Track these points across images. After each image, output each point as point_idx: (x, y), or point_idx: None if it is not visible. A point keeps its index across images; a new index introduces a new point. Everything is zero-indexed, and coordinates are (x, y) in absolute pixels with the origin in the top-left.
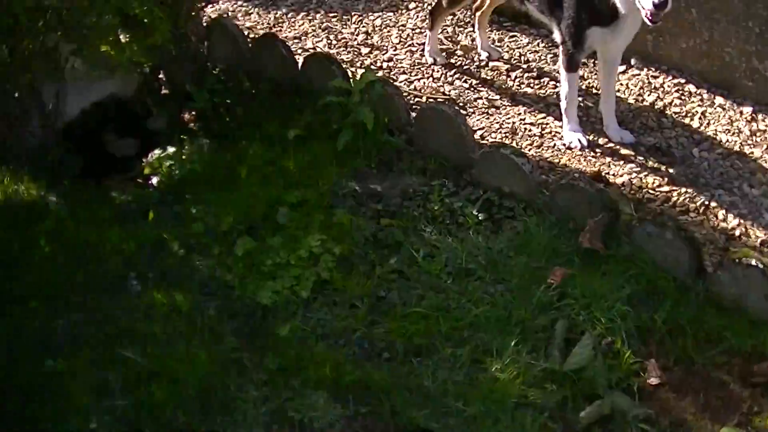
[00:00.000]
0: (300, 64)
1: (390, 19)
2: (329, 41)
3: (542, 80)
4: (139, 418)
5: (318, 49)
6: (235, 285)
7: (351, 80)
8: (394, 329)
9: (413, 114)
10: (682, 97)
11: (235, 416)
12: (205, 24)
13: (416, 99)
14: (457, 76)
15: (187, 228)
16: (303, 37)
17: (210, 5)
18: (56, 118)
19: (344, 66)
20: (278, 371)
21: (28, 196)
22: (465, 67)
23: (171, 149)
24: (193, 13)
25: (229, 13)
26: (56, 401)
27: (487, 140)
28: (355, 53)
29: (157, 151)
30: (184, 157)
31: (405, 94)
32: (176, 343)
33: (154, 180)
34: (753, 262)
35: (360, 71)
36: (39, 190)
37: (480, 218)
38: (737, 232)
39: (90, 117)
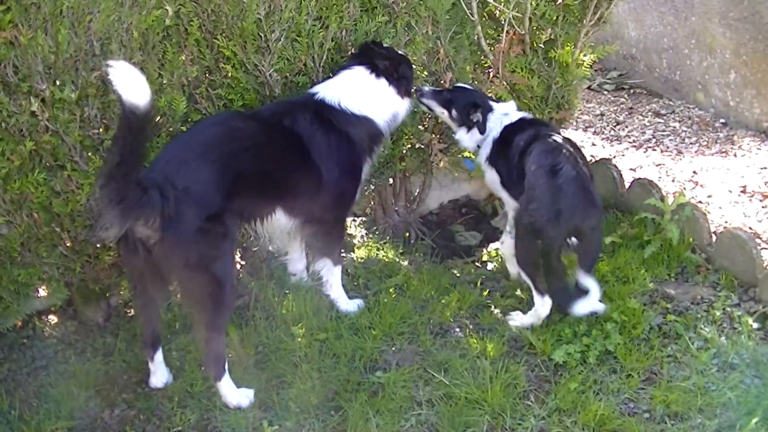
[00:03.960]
0: (627, 186)
1: (718, 163)
2: (659, 175)
3: None
4: (439, 426)
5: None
6: (535, 343)
7: (665, 202)
8: (657, 396)
9: (714, 237)
10: None
11: None
12: None
13: (721, 226)
14: (767, 215)
15: (506, 300)
16: (637, 169)
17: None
18: (418, 205)
19: (666, 193)
20: (555, 411)
21: (386, 257)
22: None
23: None
24: None
25: (579, 142)
26: (375, 404)
27: None
28: (680, 187)
29: (496, 244)
30: None
31: (711, 221)
32: (478, 377)
33: (489, 265)
34: None
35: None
36: (395, 256)
37: (754, 326)
38: None
39: (445, 210)
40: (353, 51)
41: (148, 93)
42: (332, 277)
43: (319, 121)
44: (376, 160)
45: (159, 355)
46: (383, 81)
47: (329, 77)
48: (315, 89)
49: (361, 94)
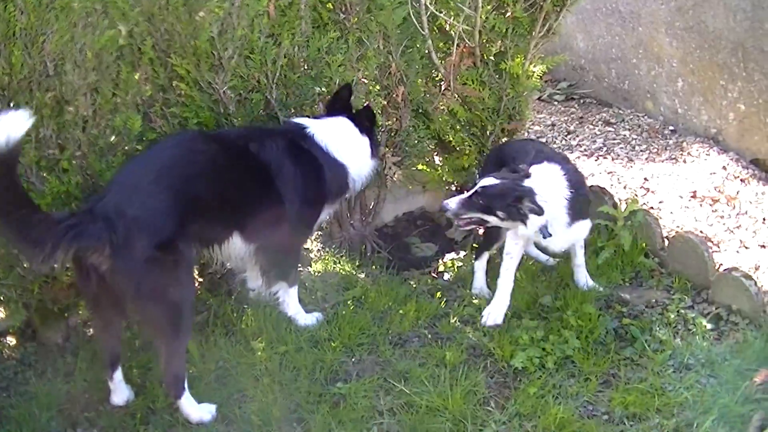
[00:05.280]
0: None
1: (668, 169)
2: (611, 182)
3: None
4: None
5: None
6: (495, 351)
7: (617, 209)
8: (615, 398)
9: (667, 242)
10: None
11: None
12: None
13: (673, 231)
14: (717, 219)
15: (464, 308)
16: (589, 177)
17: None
18: (374, 218)
19: (618, 200)
20: (516, 416)
21: (343, 271)
22: (726, 213)
23: (463, 254)
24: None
25: None
26: (337, 415)
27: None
28: (632, 193)
29: (452, 255)
30: (472, 260)
31: (663, 226)
32: (438, 385)
33: (446, 276)
34: None
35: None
36: (352, 269)
37: (708, 327)
38: None
39: (400, 222)
40: (333, 95)
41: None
42: (288, 297)
43: (292, 151)
44: (333, 211)
45: (118, 374)
46: (366, 140)
47: (315, 117)
48: (304, 122)
49: (346, 144)
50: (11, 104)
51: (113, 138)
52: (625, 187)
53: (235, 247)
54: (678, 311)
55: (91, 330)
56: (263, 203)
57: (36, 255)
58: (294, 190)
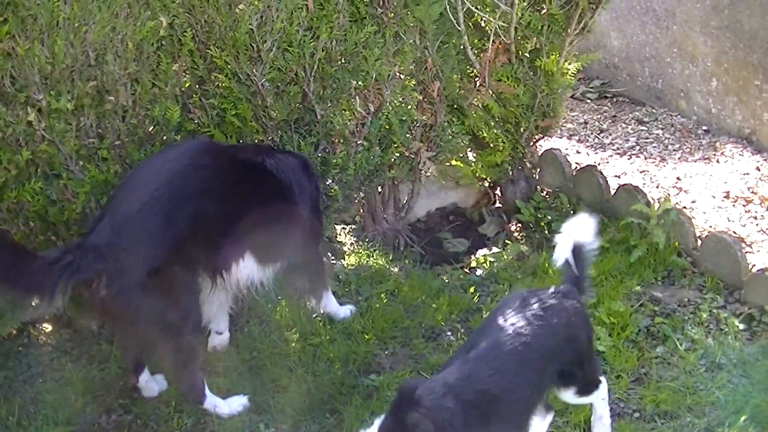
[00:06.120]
0: (613, 192)
1: (701, 169)
2: (644, 181)
3: None
4: None
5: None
6: None
7: (651, 207)
8: (647, 396)
9: (699, 241)
10: None
11: None
12: (539, 153)
13: (706, 231)
14: (750, 220)
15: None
16: (622, 175)
17: (545, 139)
18: (407, 213)
19: (651, 199)
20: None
21: (376, 264)
22: (759, 214)
23: (495, 250)
24: (531, 142)
25: (562, 149)
26: (370, 407)
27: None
28: (664, 193)
29: (484, 251)
30: (504, 256)
31: (696, 226)
32: None
33: (478, 272)
34: None
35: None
36: (385, 262)
37: (740, 327)
38: None
39: (432, 217)
40: None
41: None
42: (329, 300)
43: (303, 170)
44: None
45: (144, 376)
46: None
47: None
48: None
49: None
50: (53, 92)
51: (152, 128)
52: (657, 187)
53: (247, 269)
54: (710, 311)
55: None
56: (280, 217)
57: (38, 300)
58: (307, 200)
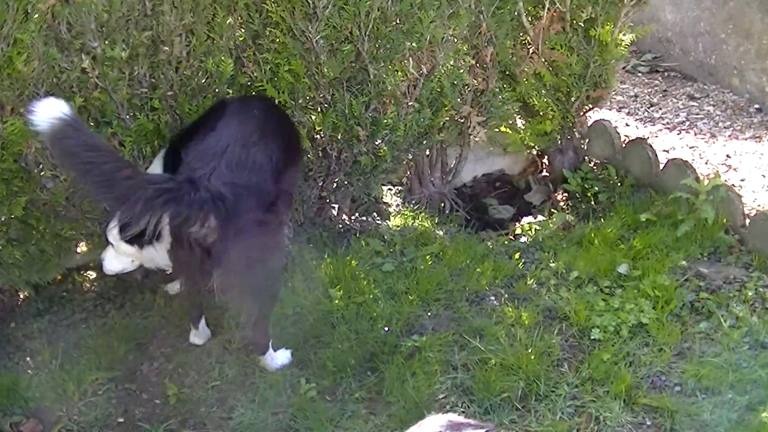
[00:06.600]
0: (662, 166)
1: (752, 147)
2: (693, 157)
3: None
4: (474, 389)
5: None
6: (570, 315)
7: (700, 183)
8: (689, 370)
9: (748, 219)
10: None
11: (545, 403)
12: (588, 123)
13: (754, 210)
14: None
15: (541, 271)
16: (671, 150)
17: (595, 110)
18: (453, 177)
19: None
20: (588, 380)
21: (421, 227)
22: None
23: (540, 218)
24: (581, 112)
25: (612, 121)
26: (411, 367)
27: None
28: (713, 169)
29: (529, 219)
30: (550, 224)
31: (745, 204)
32: (513, 344)
33: (522, 239)
34: None
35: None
36: (431, 225)
37: None
38: None
39: (479, 183)
40: None
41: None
42: None
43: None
44: None
45: (202, 323)
46: None
47: None
48: None
49: None
50: (108, 41)
51: (205, 80)
52: (706, 163)
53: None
54: (756, 289)
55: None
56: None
57: (124, 212)
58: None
